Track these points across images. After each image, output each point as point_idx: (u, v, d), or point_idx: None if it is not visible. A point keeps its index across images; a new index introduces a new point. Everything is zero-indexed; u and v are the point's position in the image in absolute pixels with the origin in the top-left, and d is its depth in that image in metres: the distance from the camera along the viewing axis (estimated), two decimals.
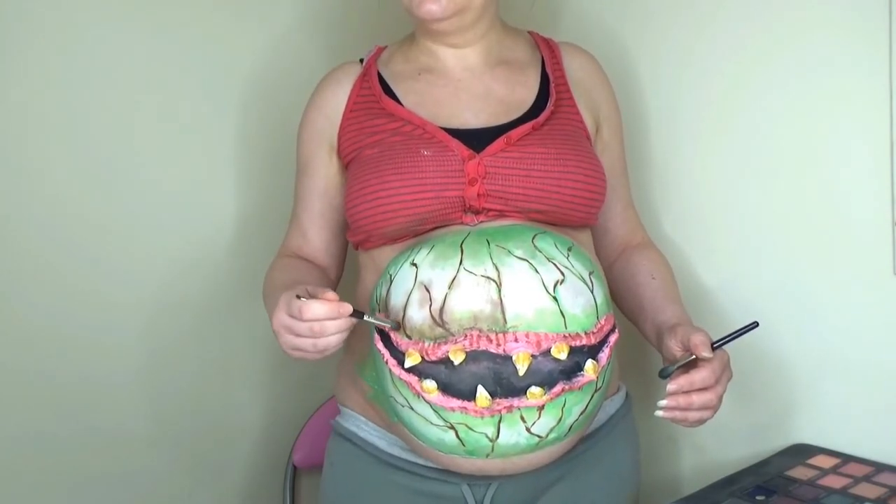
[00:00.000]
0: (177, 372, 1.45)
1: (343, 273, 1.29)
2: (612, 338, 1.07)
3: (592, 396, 1.05)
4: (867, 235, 1.21)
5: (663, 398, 1.04)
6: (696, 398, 1.03)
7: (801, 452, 1.26)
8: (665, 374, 1.05)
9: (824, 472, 1.20)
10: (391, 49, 1.28)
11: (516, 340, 0.99)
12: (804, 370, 1.30)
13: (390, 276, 1.07)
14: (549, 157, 1.13)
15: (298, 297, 0.98)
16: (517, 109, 1.18)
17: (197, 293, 1.46)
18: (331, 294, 0.98)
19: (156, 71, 1.39)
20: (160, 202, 1.41)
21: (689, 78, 1.40)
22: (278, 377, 1.54)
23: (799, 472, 1.20)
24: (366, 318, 1.01)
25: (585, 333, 1.03)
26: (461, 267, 1.02)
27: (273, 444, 1.54)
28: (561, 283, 1.02)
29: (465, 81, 1.21)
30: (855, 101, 1.21)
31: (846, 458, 1.23)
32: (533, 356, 0.99)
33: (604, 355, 1.04)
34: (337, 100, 1.22)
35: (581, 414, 1.05)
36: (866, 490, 1.14)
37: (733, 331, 1.07)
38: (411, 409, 1.04)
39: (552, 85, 1.21)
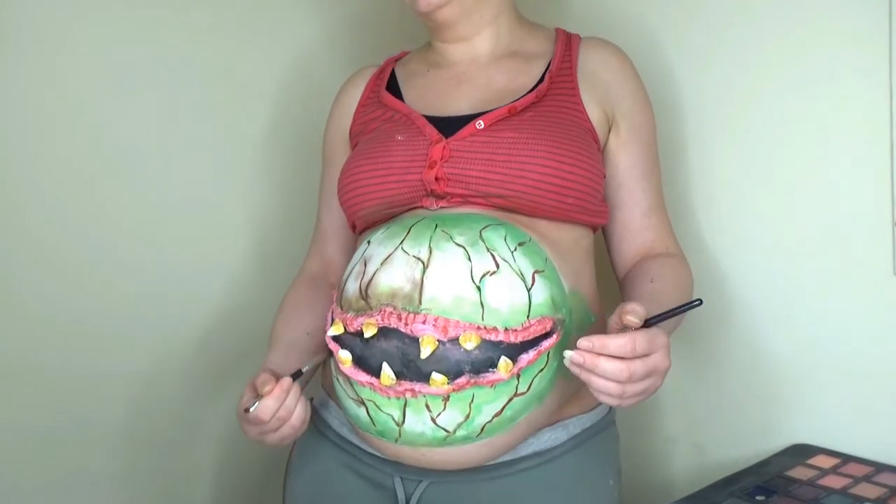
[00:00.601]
0: (177, 371, 1.45)
1: None
2: (546, 343, 1.00)
3: (511, 400, 1.00)
4: (867, 235, 1.21)
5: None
6: (604, 362, 0.92)
7: (801, 452, 1.26)
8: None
9: (824, 472, 1.19)
10: (413, 53, 1.33)
11: (424, 323, 0.97)
12: (804, 370, 1.30)
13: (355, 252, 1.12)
14: (519, 141, 1.08)
15: (246, 409, 1.04)
16: (511, 97, 1.16)
17: (199, 293, 1.47)
18: (267, 387, 1.05)
19: (174, 76, 1.40)
20: (168, 204, 1.42)
21: (689, 77, 1.40)
22: None
23: (799, 472, 1.20)
24: (304, 368, 1.10)
25: (505, 330, 0.98)
26: (400, 246, 1.03)
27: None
28: (491, 275, 0.99)
29: (468, 73, 1.22)
30: (855, 101, 1.21)
31: (846, 458, 1.22)
32: (440, 342, 0.97)
33: (526, 357, 0.99)
34: (353, 97, 1.29)
35: (495, 416, 0.99)
36: (866, 490, 1.14)
37: (673, 308, 0.98)
38: (336, 379, 1.08)
39: (548, 74, 1.18)
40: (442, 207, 1.10)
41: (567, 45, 1.23)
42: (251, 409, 1.03)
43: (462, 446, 1.01)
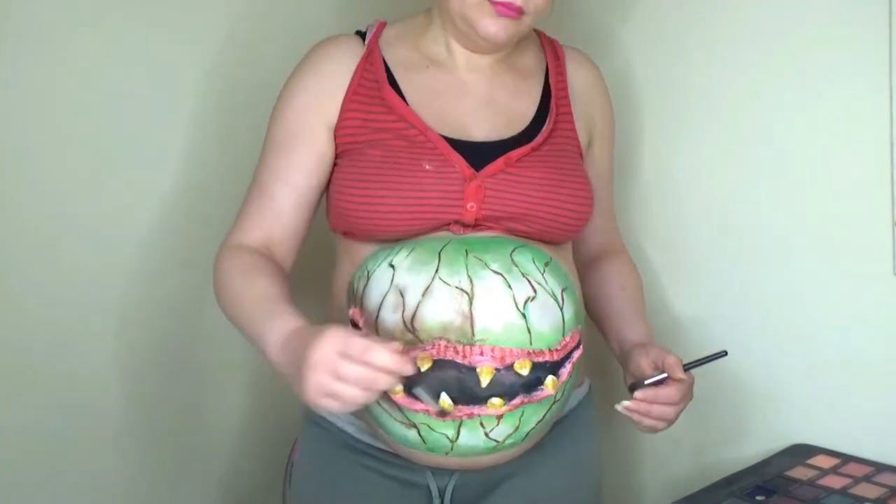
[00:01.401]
0: (177, 372, 1.45)
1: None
2: (576, 354, 1.08)
3: (550, 408, 1.07)
4: (867, 235, 1.21)
5: (627, 398, 1.12)
6: (656, 409, 1.10)
7: (801, 452, 1.26)
8: (633, 389, 1.12)
9: (824, 472, 1.19)
10: (395, 29, 1.22)
11: (482, 354, 1.01)
12: (804, 370, 1.30)
13: (368, 272, 1.07)
14: (545, 182, 1.13)
15: (356, 324, 0.96)
16: (518, 122, 1.18)
17: (199, 293, 1.46)
18: (397, 344, 0.93)
19: (153, 70, 1.39)
20: (168, 202, 1.42)
21: (687, 77, 1.41)
22: (279, 377, 1.54)
23: (799, 472, 1.20)
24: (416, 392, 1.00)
25: (549, 350, 1.04)
26: (436, 275, 1.03)
27: (273, 444, 1.54)
28: (532, 300, 1.03)
29: (470, 84, 1.19)
30: (855, 101, 1.22)
31: (846, 458, 1.23)
32: (496, 370, 1.01)
33: (565, 371, 1.06)
34: (340, 78, 1.16)
35: (538, 423, 1.07)
36: (866, 490, 1.14)
37: (703, 357, 1.13)
38: (378, 404, 1.05)
39: (553, 101, 1.20)
40: (465, 232, 1.11)
41: (555, 57, 1.25)
42: (365, 334, 0.93)
43: (508, 450, 1.09)
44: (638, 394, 1.10)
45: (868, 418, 1.23)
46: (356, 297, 1.08)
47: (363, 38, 1.20)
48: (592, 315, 1.28)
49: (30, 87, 1.28)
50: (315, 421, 1.20)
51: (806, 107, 1.27)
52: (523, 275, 1.05)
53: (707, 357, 1.13)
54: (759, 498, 1.13)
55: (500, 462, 1.11)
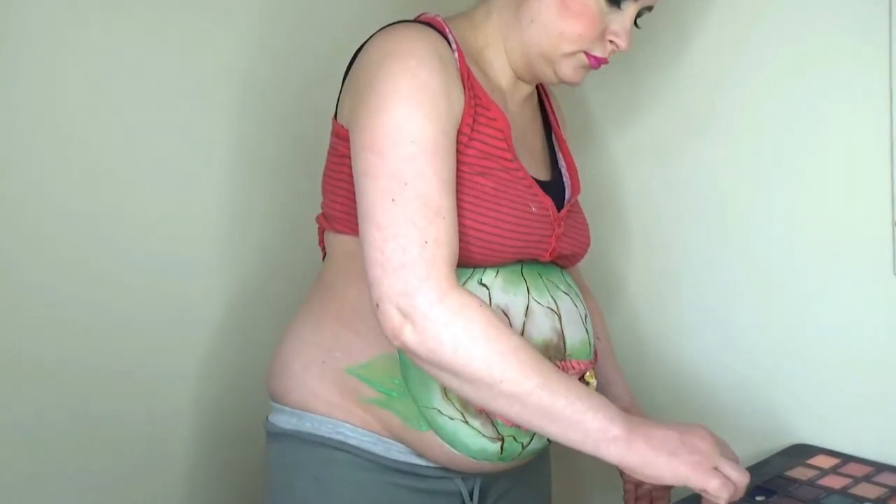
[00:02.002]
0: (176, 371, 1.45)
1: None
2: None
3: None
4: (867, 235, 1.21)
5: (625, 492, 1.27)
6: None
7: (801, 452, 1.26)
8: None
9: (824, 472, 1.19)
10: (464, 40, 1.11)
11: (573, 368, 1.09)
12: (804, 370, 1.30)
13: None
14: (584, 224, 1.22)
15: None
16: (545, 163, 1.21)
17: (199, 292, 1.46)
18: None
19: (152, 71, 1.39)
20: (169, 200, 1.42)
21: (687, 77, 1.41)
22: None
23: (799, 472, 1.20)
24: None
25: (592, 360, 1.14)
26: (530, 296, 1.08)
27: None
28: (587, 317, 1.15)
29: (515, 115, 1.16)
30: (855, 101, 1.22)
31: (846, 458, 1.23)
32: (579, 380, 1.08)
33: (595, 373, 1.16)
34: (457, 87, 1.03)
35: None
36: (866, 490, 1.14)
37: None
38: (464, 422, 1.07)
39: (563, 143, 1.25)
40: None
41: (544, 89, 1.29)
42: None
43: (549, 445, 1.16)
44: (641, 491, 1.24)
45: (868, 418, 1.23)
46: None
47: (440, 35, 1.06)
48: None
49: (33, 86, 1.28)
50: (326, 444, 1.10)
51: (806, 107, 1.27)
52: (576, 294, 1.15)
53: None
54: (759, 498, 1.13)
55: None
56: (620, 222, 1.50)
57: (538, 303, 1.09)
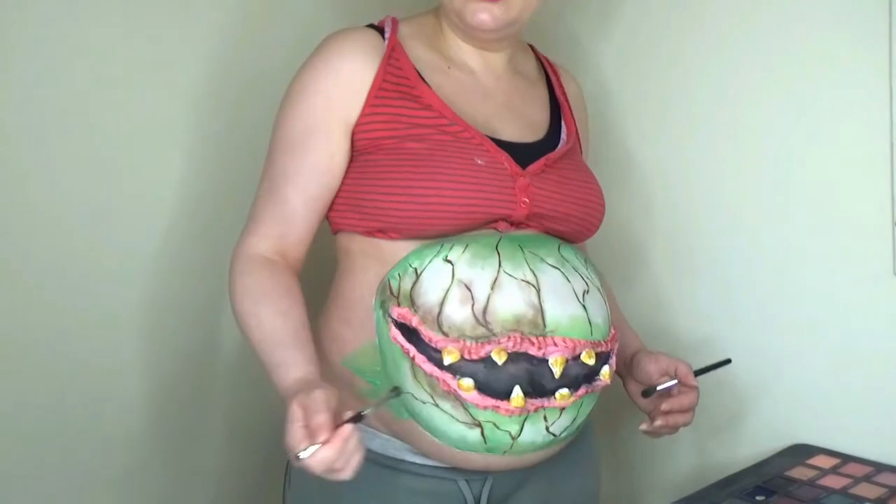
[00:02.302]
0: (175, 371, 1.45)
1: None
2: (617, 346, 1.13)
3: (598, 398, 1.12)
4: (867, 235, 1.21)
5: (650, 415, 1.19)
6: (681, 419, 1.18)
7: (801, 452, 1.26)
8: (648, 394, 1.18)
9: (824, 472, 1.20)
10: (409, 28, 1.19)
11: (555, 345, 1.03)
12: (804, 370, 1.30)
13: (415, 269, 1.06)
14: (582, 183, 1.17)
15: (297, 456, 0.91)
16: (538, 128, 1.20)
17: (197, 292, 1.46)
18: (323, 432, 0.91)
19: (140, 69, 1.39)
20: (170, 199, 1.42)
21: (688, 77, 1.41)
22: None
23: (799, 472, 1.20)
24: (366, 411, 0.95)
25: (604, 341, 1.08)
26: (501, 269, 1.04)
27: (273, 444, 1.54)
28: (587, 293, 1.08)
29: (490, 87, 1.20)
30: (855, 101, 1.22)
31: (846, 458, 1.23)
32: (567, 360, 1.04)
33: (613, 361, 1.11)
34: (363, 74, 1.12)
35: (588, 414, 1.12)
36: (866, 490, 1.14)
37: (709, 364, 1.20)
38: (435, 405, 1.04)
39: (567, 113, 1.24)
40: (510, 230, 1.11)
41: (552, 70, 1.29)
42: (302, 455, 0.90)
43: (557, 444, 1.11)
44: (665, 406, 1.16)
45: (868, 418, 1.23)
46: (400, 297, 1.06)
47: (378, 33, 1.16)
48: None
49: (41, 85, 1.28)
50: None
51: (806, 107, 1.27)
52: (574, 269, 1.09)
53: (712, 365, 1.19)
54: (759, 498, 1.13)
55: (541, 460, 1.11)
56: (619, 222, 1.50)
57: (510, 276, 1.04)
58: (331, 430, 0.91)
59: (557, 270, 1.07)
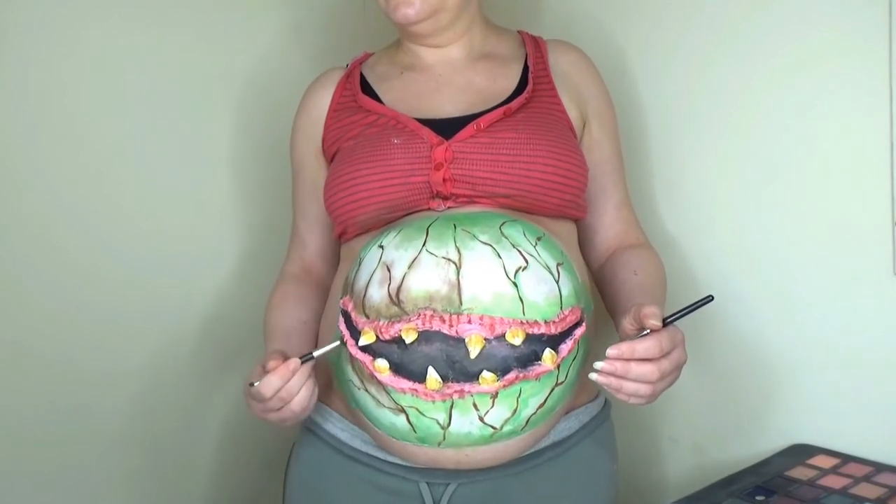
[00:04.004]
0: (176, 371, 1.45)
1: None
2: (578, 331, 1.03)
3: (553, 390, 1.02)
4: (867, 235, 1.21)
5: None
6: (635, 367, 0.98)
7: (801, 452, 1.26)
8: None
9: (824, 472, 1.19)
10: (378, 54, 1.31)
11: (470, 322, 0.97)
12: (804, 370, 1.30)
13: (360, 259, 1.08)
14: (520, 141, 1.12)
15: (251, 384, 1.04)
16: (496, 99, 1.19)
17: (196, 293, 1.47)
18: (272, 362, 1.04)
19: (150, 76, 1.39)
20: (167, 199, 1.42)
21: (688, 77, 1.41)
22: None
23: (799, 473, 1.20)
24: (315, 353, 1.07)
25: (545, 322, 1.00)
26: (423, 248, 1.02)
27: (273, 444, 1.54)
28: (523, 270, 1.00)
29: (446, 76, 1.23)
30: (855, 100, 1.21)
31: (846, 458, 1.22)
32: (487, 340, 0.97)
33: (566, 347, 1.01)
34: (322, 102, 1.26)
35: (539, 407, 1.02)
36: (866, 490, 1.14)
37: (687, 305, 1.02)
38: (365, 390, 1.03)
39: (530, 74, 1.22)
40: (449, 208, 1.11)
41: (536, 47, 1.27)
42: (255, 384, 1.04)
43: (506, 441, 1.03)
44: (610, 351, 0.97)
45: (868, 418, 1.23)
46: (348, 286, 1.08)
47: (346, 67, 1.29)
48: (608, 308, 1.23)
49: (40, 88, 1.29)
50: (307, 426, 1.21)
51: (805, 107, 1.27)
52: (513, 245, 1.02)
53: (691, 305, 1.02)
54: (759, 498, 1.13)
55: (499, 461, 1.05)
56: None
57: (431, 254, 1.00)
58: (278, 362, 1.04)
59: (489, 247, 1.01)
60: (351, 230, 1.18)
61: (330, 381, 1.18)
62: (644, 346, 0.98)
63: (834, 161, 1.25)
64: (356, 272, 1.07)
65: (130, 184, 1.38)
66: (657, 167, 1.46)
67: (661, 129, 1.45)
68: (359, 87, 1.24)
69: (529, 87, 1.20)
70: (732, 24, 1.35)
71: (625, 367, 0.97)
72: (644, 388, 0.99)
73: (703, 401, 1.40)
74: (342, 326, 1.06)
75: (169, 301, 1.43)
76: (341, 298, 1.09)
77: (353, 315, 1.04)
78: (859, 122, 1.21)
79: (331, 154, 1.23)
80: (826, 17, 1.24)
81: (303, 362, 1.05)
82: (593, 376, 0.98)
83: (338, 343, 1.06)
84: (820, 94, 1.25)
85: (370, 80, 1.26)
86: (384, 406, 1.02)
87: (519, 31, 1.32)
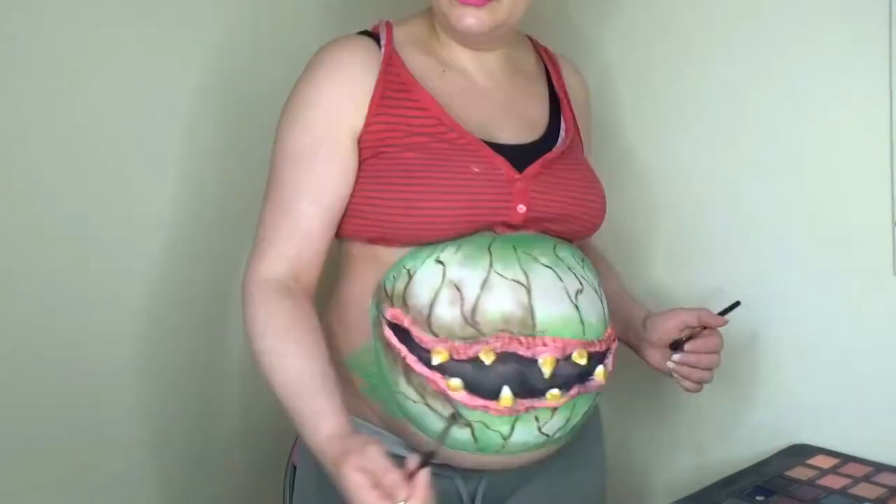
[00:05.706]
0: (175, 371, 1.45)
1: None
2: (615, 345, 1.13)
3: (594, 400, 1.11)
4: (867, 235, 1.21)
5: (679, 371, 1.19)
6: (706, 358, 1.18)
7: (801, 452, 1.26)
8: (677, 346, 1.19)
9: (824, 472, 1.20)
10: (403, 32, 1.19)
11: (545, 345, 1.03)
12: (804, 370, 1.30)
13: (408, 270, 1.07)
14: (580, 183, 1.17)
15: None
16: (536, 127, 1.19)
17: (195, 291, 1.47)
18: (401, 492, 0.90)
19: (144, 70, 1.39)
20: (149, 200, 1.41)
21: (689, 77, 1.41)
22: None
23: (798, 473, 1.20)
24: (433, 450, 0.93)
25: (598, 341, 1.08)
26: (492, 269, 1.05)
27: (273, 444, 1.54)
28: (581, 293, 1.08)
29: (489, 89, 1.19)
30: (855, 101, 1.22)
31: (846, 458, 1.23)
32: (557, 360, 1.03)
33: (609, 361, 1.10)
34: (363, 82, 1.12)
35: (583, 415, 1.10)
36: (866, 490, 1.14)
37: (729, 305, 1.20)
38: (426, 405, 1.05)
39: (566, 108, 1.23)
40: (507, 232, 1.11)
41: (552, 63, 1.28)
42: None
43: (552, 445, 1.10)
44: (689, 345, 1.18)
45: (868, 418, 1.23)
46: (394, 297, 1.07)
47: (374, 40, 1.16)
48: None
49: (43, 90, 1.28)
50: None
51: (806, 107, 1.27)
52: (569, 268, 1.09)
53: (727, 309, 1.20)
54: (758, 498, 1.13)
55: (536, 460, 1.10)
56: (620, 222, 1.50)
57: (501, 276, 1.04)
58: (405, 484, 0.90)
59: (550, 270, 1.07)
60: (393, 242, 1.09)
61: (345, 382, 1.11)
62: (715, 342, 1.19)
63: (834, 161, 1.25)
64: (408, 285, 1.06)
65: (134, 187, 1.38)
66: (655, 167, 1.46)
67: (662, 129, 1.45)
68: (412, 80, 1.13)
69: (569, 123, 1.21)
70: (733, 25, 1.35)
71: (697, 358, 1.18)
72: (707, 376, 1.20)
73: (703, 401, 1.40)
74: (394, 341, 1.06)
75: (173, 304, 1.43)
76: (381, 306, 1.07)
77: (413, 331, 1.04)
78: (859, 121, 1.21)
79: (373, 149, 1.11)
80: (826, 17, 1.24)
81: (425, 466, 0.91)
82: (671, 365, 1.19)
83: (455, 420, 1.01)
84: (820, 95, 1.25)
85: (410, 66, 1.14)
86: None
87: (528, 36, 1.30)
